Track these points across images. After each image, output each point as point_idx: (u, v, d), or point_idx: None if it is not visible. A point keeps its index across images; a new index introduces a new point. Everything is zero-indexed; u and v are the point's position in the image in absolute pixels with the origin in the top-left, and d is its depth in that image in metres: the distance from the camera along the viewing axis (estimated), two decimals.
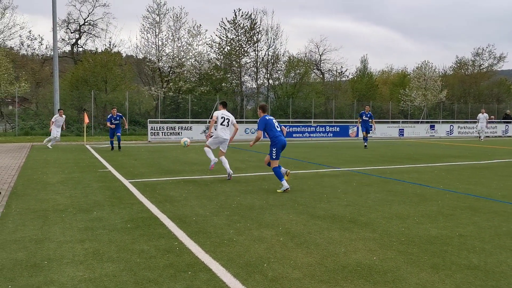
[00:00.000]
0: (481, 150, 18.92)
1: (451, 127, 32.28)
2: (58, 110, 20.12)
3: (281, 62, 39.60)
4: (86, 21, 40.22)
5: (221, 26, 37.14)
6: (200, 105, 33.33)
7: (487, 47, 53.84)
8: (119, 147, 17.79)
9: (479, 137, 28.04)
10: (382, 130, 29.70)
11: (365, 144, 19.43)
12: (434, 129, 31.54)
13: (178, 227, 5.72)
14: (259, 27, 37.77)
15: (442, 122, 34.31)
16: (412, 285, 3.85)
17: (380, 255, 4.63)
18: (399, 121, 34.51)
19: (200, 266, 4.30)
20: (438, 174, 11.04)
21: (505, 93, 51.54)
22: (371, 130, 20.41)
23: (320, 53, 47.21)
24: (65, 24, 39.73)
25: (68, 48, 41.56)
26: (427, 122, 34.68)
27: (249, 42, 37.74)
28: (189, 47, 33.70)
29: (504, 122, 34.54)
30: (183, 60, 33.36)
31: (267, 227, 5.73)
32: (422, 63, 45.05)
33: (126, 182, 9.28)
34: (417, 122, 35.47)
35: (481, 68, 52.37)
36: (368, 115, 19.57)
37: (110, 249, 4.79)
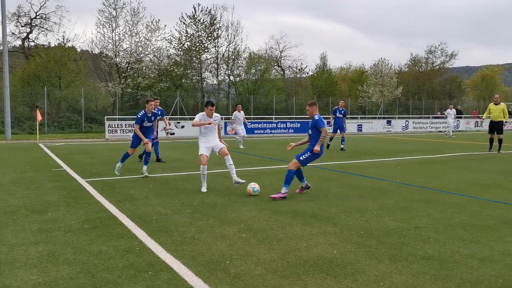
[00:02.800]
0: (434, 145, 19.61)
1: (407, 122, 33.27)
2: None
3: (242, 58, 39.63)
4: (37, 14, 38.63)
5: (181, 21, 36.73)
6: (160, 102, 32.74)
7: (439, 45, 56.11)
8: (158, 158, 12.78)
9: (446, 132, 27.63)
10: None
11: (342, 146, 16.56)
12: (390, 125, 32.43)
13: (138, 226, 5.61)
14: (219, 23, 37.61)
15: (398, 117, 35.34)
16: (371, 276, 3.94)
17: (340, 249, 4.71)
18: (358, 117, 35.31)
19: (161, 265, 4.23)
20: (395, 168, 11.35)
21: (457, 90, 53.70)
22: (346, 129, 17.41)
23: (281, 50, 47.59)
24: (15, 17, 38.07)
25: (18, 42, 39.87)
26: (384, 118, 35.64)
27: (209, 38, 37.50)
28: (147, 42, 33.13)
29: (456, 117, 35.88)
30: (141, 55, 32.74)
31: (229, 224, 5.71)
32: (379, 60, 46.27)
33: (82, 182, 9.02)
34: (375, 118, 36.36)
35: (434, 65, 54.27)
36: (343, 112, 16.82)
37: (66, 251, 4.64)
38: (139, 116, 9.96)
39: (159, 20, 33.97)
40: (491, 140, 15.83)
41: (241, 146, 17.62)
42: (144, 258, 4.43)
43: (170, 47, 36.45)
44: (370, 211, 6.43)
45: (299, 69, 48.60)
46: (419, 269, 4.14)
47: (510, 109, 38.24)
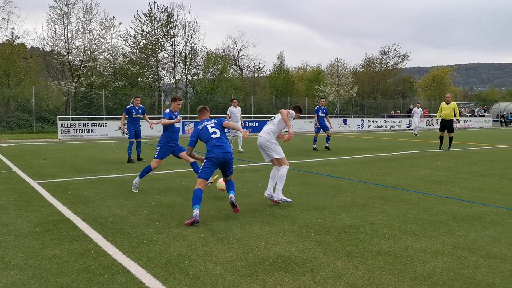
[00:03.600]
0: (389, 143, 20.19)
1: (362, 121, 34.11)
2: None
3: (200, 57, 39.34)
4: None
5: (136, 19, 36.01)
6: (115, 101, 32.07)
7: (392, 46, 57.76)
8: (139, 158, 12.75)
9: (414, 131, 27.55)
10: (299, 125, 30.59)
11: (327, 145, 16.41)
12: (346, 124, 33.14)
13: (93, 228, 5.45)
14: (176, 21, 37.16)
15: (354, 116, 36.14)
16: (328, 273, 4.01)
17: (299, 246, 4.76)
18: (315, 116, 35.79)
19: (118, 268, 4.13)
20: (351, 166, 11.60)
21: (409, 89, 55.54)
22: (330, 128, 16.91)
23: (238, 49, 47.52)
24: None
25: None
26: (340, 117, 36.38)
27: (166, 36, 36.99)
28: (101, 40, 32.28)
29: (409, 116, 37.09)
30: (95, 53, 31.86)
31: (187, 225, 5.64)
32: (335, 60, 47.17)
33: (34, 184, 8.67)
34: (331, 117, 37.00)
35: (387, 65, 55.89)
36: (325, 111, 16.65)
37: (17, 255, 4.44)
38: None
39: (113, 17, 33.20)
40: (441, 138, 16.45)
41: (241, 149, 15.56)
42: (99, 261, 4.31)
43: (126, 45, 35.71)
44: (327, 209, 6.53)
45: (257, 69, 48.78)
46: (374, 264, 4.24)
47: (460, 108, 39.92)
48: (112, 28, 32.79)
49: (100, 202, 7.01)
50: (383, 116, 37.73)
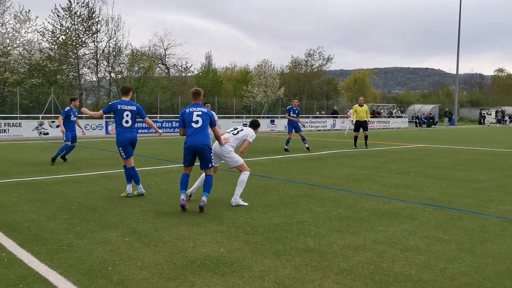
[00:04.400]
0: (314, 143, 20.81)
1: None
2: None
3: (124, 55, 38.09)
4: None
5: (54, 13, 34.09)
6: (32, 99, 30.10)
7: (317, 49, 59.64)
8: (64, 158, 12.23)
9: (346, 132, 27.93)
10: (227, 125, 30.65)
11: (307, 146, 16.04)
12: (274, 124, 33.73)
13: (6, 235, 5.07)
14: (98, 17, 35.67)
15: (281, 117, 36.86)
16: (256, 272, 4.03)
17: (227, 247, 4.75)
18: (243, 116, 36.09)
19: (35, 277, 3.87)
20: (279, 165, 11.81)
21: (333, 91, 57.68)
22: (302, 127, 16.74)
23: (165, 48, 46.65)
24: None
25: None
26: (267, 117, 36.91)
27: (87, 32, 35.40)
28: (16, 34, 30.15)
29: (332, 117, 38.58)
30: (9, 48, 29.71)
31: (111, 228, 5.42)
32: (263, 61, 47.79)
33: None
34: (259, 117, 37.47)
35: (312, 68, 57.68)
36: (297, 111, 16.28)
37: None
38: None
39: (29, 10, 31.16)
40: (356, 138, 17.58)
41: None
42: (14, 270, 4.01)
43: (43, 40, 33.70)
44: (255, 208, 6.58)
45: (184, 68, 48.21)
46: (301, 261, 4.34)
47: (379, 110, 42.06)
48: (28, 22, 30.76)
49: (14, 207, 6.53)
50: (308, 117, 38.85)
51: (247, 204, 6.85)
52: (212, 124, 6.63)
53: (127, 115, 7.31)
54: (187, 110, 6.47)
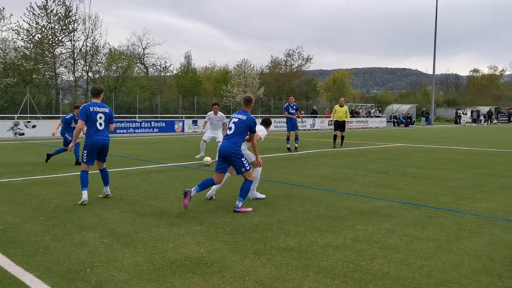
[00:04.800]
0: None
1: None
2: None
3: (102, 54, 37.55)
4: None
5: (30, 11, 33.39)
6: (6, 99, 29.43)
7: (296, 49, 59.95)
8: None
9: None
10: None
11: (296, 145, 16.23)
12: None
13: None
14: (75, 15, 35.09)
15: (261, 117, 36.93)
16: (237, 272, 4.02)
17: (208, 247, 4.73)
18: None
19: (10, 280, 3.79)
20: None
21: (312, 91, 58.03)
22: (300, 123, 16.75)
23: (144, 47, 46.22)
24: None
25: None
26: None
27: (64, 30, 34.79)
28: None
29: (312, 117, 38.80)
30: None
31: (89, 230, 5.35)
32: (242, 61, 47.79)
33: None
34: None
35: (292, 67, 57.93)
36: (295, 107, 16.16)
37: None
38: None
39: (3, 8, 30.53)
40: (335, 137, 17.93)
41: (207, 159, 11.77)
42: None
43: (18, 39, 32.99)
44: None
45: (163, 68, 47.83)
46: (281, 261, 4.35)
47: (358, 109, 42.45)
48: (2, 20, 30.13)
49: None
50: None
51: (264, 196, 7.27)
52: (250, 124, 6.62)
53: (100, 117, 6.97)
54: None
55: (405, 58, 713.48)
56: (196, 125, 30.19)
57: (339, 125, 17.68)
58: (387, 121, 47.22)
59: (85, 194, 6.80)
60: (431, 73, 56.47)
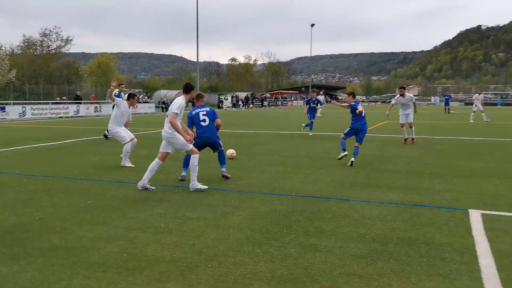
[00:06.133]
0: (57, 131, 19.18)
1: (24, 108, 31.12)
2: None
3: None
4: None
5: None
6: None
7: (54, 29, 54.82)
8: None
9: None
10: None
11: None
12: (5, 111, 29.50)
13: None
14: None
15: (14, 103, 32.64)
16: None
17: None
18: None
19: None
20: (14, 158, 10.45)
21: (75, 75, 54.30)
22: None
23: None
24: None
25: None
26: None
27: None
28: None
29: (76, 103, 36.13)
30: None
31: None
32: None
33: None
34: None
35: (50, 49, 52.88)
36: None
37: None
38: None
39: None
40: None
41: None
42: None
43: None
44: None
45: None
46: (46, 262, 3.94)
47: (78, 94, 40.41)
48: None
49: None
50: (48, 103, 35.50)
51: (206, 187, 6.87)
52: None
53: None
54: (193, 112, 7.63)
55: (172, 45, 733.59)
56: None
57: None
58: (156, 107, 47.79)
59: None
60: (195, 60, 59.57)
